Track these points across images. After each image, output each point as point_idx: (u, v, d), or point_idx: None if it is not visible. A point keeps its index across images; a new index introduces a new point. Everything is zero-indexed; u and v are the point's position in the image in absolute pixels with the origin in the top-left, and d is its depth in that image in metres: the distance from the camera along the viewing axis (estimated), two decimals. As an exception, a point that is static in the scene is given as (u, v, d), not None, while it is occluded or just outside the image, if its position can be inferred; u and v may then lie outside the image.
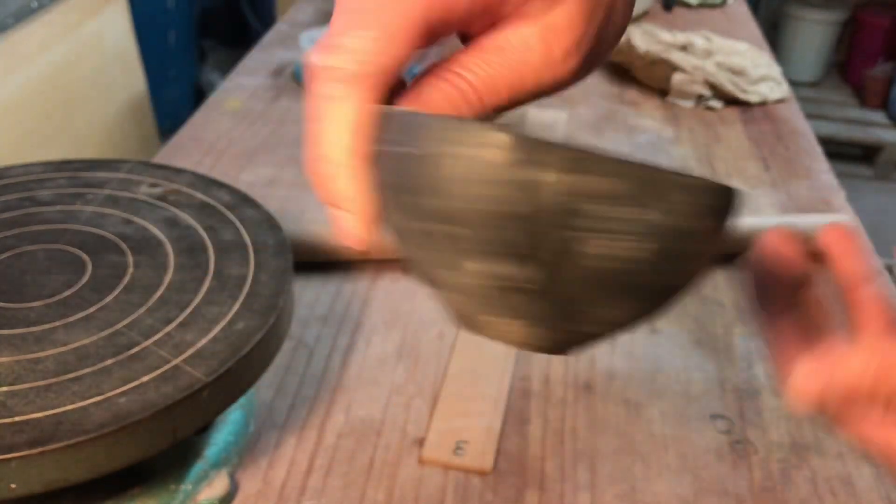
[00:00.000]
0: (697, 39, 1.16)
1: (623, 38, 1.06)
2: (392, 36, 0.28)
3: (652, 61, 1.11)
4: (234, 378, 0.48)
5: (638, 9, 1.39)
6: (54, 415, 0.43)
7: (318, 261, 0.74)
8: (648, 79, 1.12)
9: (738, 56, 1.14)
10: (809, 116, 1.11)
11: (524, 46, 0.30)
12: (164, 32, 2.43)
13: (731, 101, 1.09)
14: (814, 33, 2.99)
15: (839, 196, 0.88)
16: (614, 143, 0.98)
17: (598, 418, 0.59)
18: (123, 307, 0.51)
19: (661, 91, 1.11)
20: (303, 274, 0.73)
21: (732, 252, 0.38)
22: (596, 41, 0.31)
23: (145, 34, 2.09)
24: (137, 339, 0.48)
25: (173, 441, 0.45)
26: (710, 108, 1.08)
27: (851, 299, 0.35)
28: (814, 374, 0.31)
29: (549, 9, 0.30)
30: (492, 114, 0.31)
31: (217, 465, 0.52)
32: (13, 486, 0.41)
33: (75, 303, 0.51)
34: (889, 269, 1.84)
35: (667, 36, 1.16)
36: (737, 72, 1.11)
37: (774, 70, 1.14)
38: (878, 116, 2.77)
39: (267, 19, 2.63)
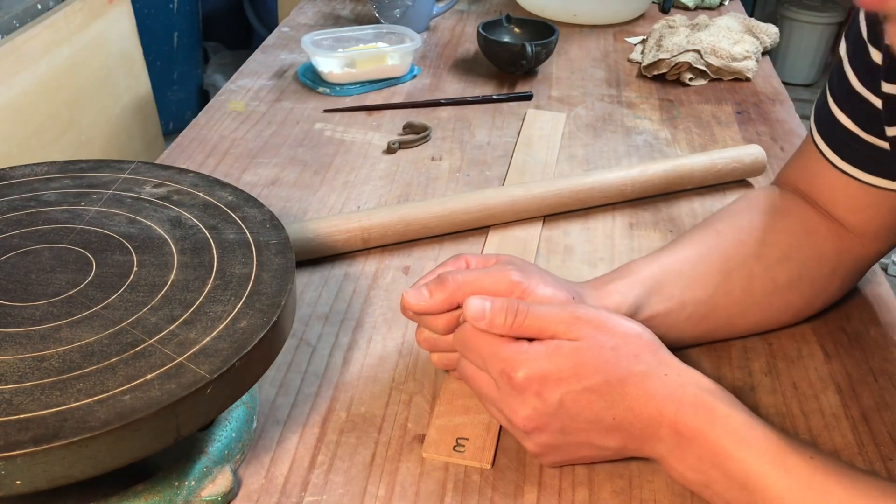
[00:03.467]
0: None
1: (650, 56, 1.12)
2: (442, 302, 0.55)
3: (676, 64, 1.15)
4: (238, 375, 0.48)
5: (635, 11, 1.40)
6: (59, 412, 0.43)
7: (320, 256, 0.75)
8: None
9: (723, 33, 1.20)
10: (805, 117, 1.13)
11: None
12: (168, 35, 2.44)
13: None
14: (809, 35, 2.99)
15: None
16: (611, 144, 0.99)
17: (596, 415, 0.59)
18: (128, 306, 0.52)
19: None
20: (305, 273, 0.73)
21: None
22: None
23: (149, 37, 2.11)
24: (142, 338, 0.49)
25: (177, 438, 0.46)
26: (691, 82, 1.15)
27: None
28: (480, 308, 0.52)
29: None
30: None
31: (220, 461, 0.53)
32: (18, 482, 0.41)
33: (80, 301, 0.52)
34: (884, 268, 1.84)
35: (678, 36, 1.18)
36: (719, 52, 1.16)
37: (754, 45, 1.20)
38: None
39: (269, 22, 2.64)
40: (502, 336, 0.52)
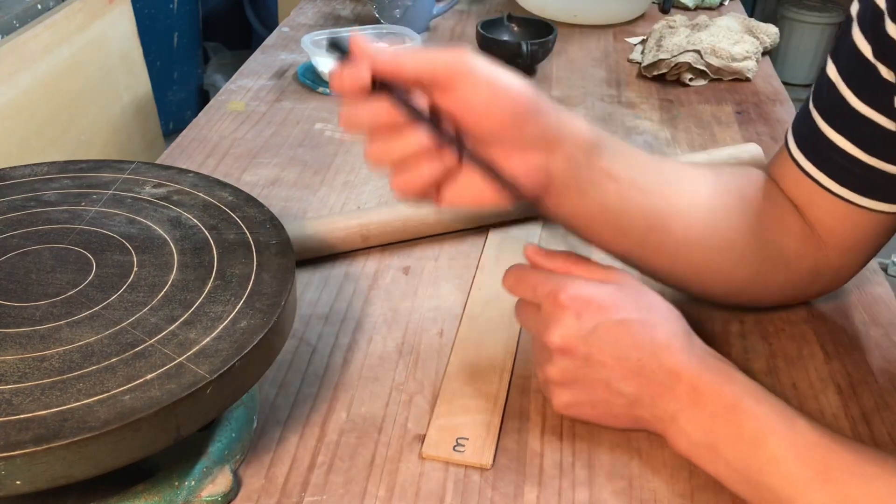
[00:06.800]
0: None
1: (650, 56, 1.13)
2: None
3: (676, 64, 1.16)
4: (238, 375, 0.48)
5: (635, 11, 1.40)
6: (59, 412, 0.43)
7: (321, 255, 0.75)
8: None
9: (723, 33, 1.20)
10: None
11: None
12: (169, 35, 2.44)
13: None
14: (809, 35, 2.98)
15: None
16: (614, 144, 0.99)
17: (596, 415, 0.59)
18: (128, 306, 0.52)
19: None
20: (305, 273, 0.73)
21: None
22: None
23: (149, 37, 2.10)
24: (142, 338, 0.49)
25: (177, 438, 0.46)
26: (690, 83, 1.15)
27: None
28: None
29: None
30: None
31: (220, 461, 0.53)
32: (18, 482, 0.42)
33: (80, 302, 0.52)
34: (884, 268, 1.84)
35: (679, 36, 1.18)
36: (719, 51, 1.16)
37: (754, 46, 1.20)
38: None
39: (269, 22, 2.64)
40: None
